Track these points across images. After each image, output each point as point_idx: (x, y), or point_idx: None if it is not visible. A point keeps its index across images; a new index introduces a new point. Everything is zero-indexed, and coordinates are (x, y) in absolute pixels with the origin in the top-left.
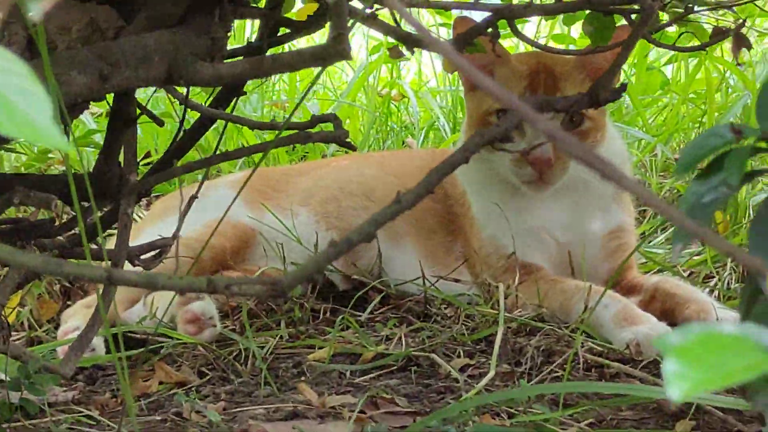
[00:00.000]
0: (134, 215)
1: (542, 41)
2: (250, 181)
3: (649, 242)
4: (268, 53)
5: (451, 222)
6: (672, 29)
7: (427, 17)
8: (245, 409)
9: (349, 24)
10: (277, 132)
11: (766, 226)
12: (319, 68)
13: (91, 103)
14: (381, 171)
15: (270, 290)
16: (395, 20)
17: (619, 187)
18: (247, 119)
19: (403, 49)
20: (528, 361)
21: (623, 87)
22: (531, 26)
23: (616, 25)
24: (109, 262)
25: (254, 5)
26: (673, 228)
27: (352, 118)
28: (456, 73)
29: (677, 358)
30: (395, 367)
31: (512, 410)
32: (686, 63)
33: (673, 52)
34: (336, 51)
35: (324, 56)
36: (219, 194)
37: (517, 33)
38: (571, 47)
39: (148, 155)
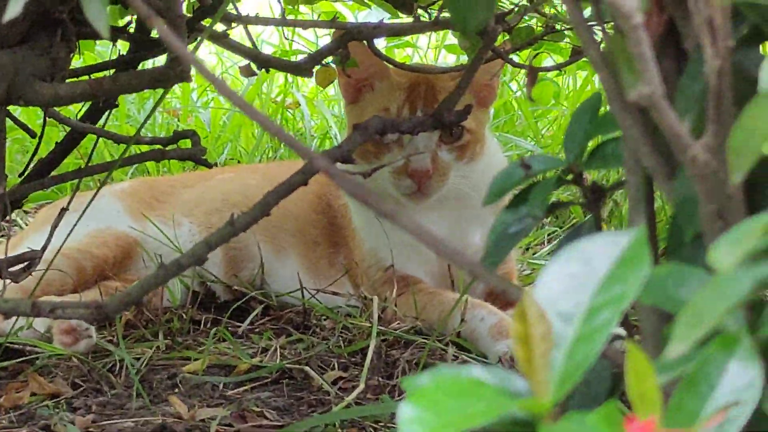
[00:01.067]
0: (21, 222)
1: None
2: (134, 191)
3: (534, 254)
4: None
5: (334, 234)
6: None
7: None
8: (115, 421)
9: (192, 45)
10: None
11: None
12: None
13: None
14: (265, 182)
15: (94, 314)
16: (250, 38)
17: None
18: (114, 133)
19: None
20: (399, 374)
21: (467, 109)
22: (424, 37)
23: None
24: None
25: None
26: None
27: (245, 126)
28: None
29: (415, 401)
30: (269, 380)
31: (378, 425)
32: (575, 75)
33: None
34: (174, 73)
35: (162, 78)
36: (103, 204)
37: (375, 51)
38: (463, 57)
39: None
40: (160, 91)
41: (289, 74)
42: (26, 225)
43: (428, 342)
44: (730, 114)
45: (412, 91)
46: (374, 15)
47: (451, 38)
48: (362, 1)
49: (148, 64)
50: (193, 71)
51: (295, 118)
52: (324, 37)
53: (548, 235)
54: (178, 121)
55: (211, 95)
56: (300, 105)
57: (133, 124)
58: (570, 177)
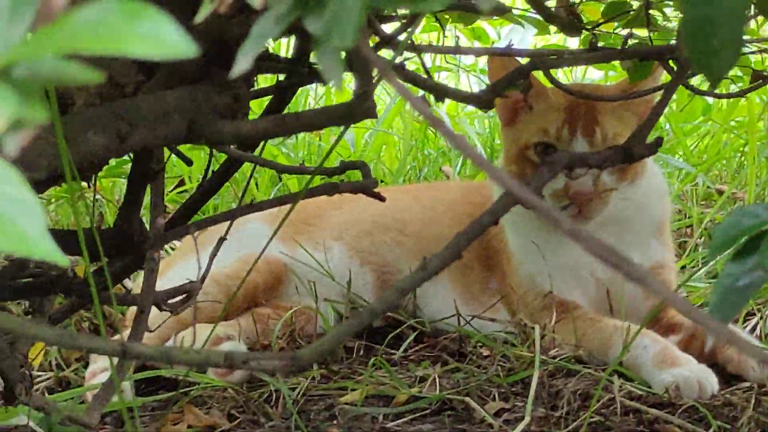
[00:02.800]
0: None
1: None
2: (283, 215)
3: (690, 276)
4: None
5: (488, 258)
6: None
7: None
8: None
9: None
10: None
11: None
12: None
13: None
14: (415, 204)
15: (289, 365)
16: (425, 69)
17: None
18: (275, 163)
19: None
20: (564, 405)
21: (659, 141)
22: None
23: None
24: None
25: (279, 58)
26: (713, 264)
27: (389, 146)
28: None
29: None
30: (429, 411)
31: None
32: (728, 90)
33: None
34: (361, 110)
35: (348, 116)
36: (251, 228)
37: (552, 81)
38: (611, 73)
39: (182, 183)
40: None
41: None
42: (172, 249)
43: (592, 371)
44: None
45: (572, 111)
46: (519, 31)
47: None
48: (512, 17)
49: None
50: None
51: (437, 137)
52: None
53: (702, 258)
54: (320, 140)
55: None
56: (443, 121)
57: (274, 144)
58: None
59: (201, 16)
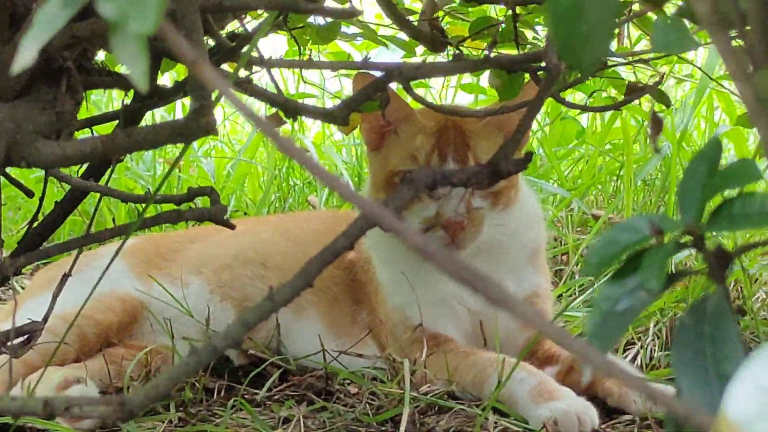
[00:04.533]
0: (19, 283)
1: (452, 90)
2: (139, 250)
3: (567, 305)
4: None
5: (356, 290)
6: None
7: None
8: None
9: (215, 94)
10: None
11: (688, 349)
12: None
13: None
14: (278, 236)
15: (117, 411)
16: (275, 84)
17: None
18: (119, 192)
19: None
20: None
21: (528, 157)
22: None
23: (524, 78)
24: None
25: (111, 72)
26: (590, 291)
27: (252, 176)
28: (358, 128)
29: None
30: None
31: None
32: (600, 113)
33: (588, 100)
34: (198, 126)
35: (185, 132)
36: (104, 264)
37: (412, 94)
38: (482, 97)
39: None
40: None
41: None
42: (22, 287)
43: (466, 407)
44: None
45: (441, 135)
46: (386, 54)
47: (467, 77)
48: (377, 39)
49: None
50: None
51: (300, 166)
52: (330, 79)
53: (579, 286)
54: (179, 171)
55: (213, 143)
56: (308, 151)
57: (131, 176)
58: (688, 240)
59: None
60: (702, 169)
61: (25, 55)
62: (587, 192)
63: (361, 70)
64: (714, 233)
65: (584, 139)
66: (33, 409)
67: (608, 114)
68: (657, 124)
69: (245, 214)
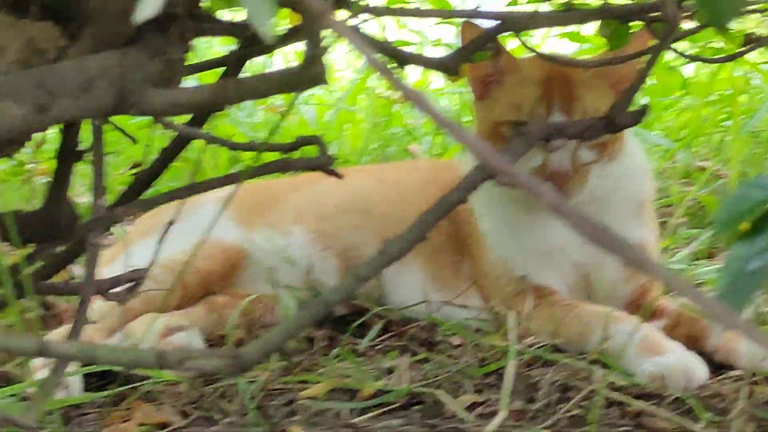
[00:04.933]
0: (120, 229)
1: (554, 39)
2: (240, 198)
3: (672, 258)
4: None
5: (459, 241)
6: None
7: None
8: None
9: (326, 43)
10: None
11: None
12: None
13: None
14: (380, 185)
15: (230, 365)
16: (384, 33)
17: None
18: (225, 139)
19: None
20: (542, 397)
21: (644, 110)
22: None
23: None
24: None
25: (219, 20)
26: (696, 243)
27: (352, 124)
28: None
29: None
30: (397, 405)
31: None
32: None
33: (693, 51)
34: (309, 76)
35: (295, 82)
36: (207, 212)
37: (525, 45)
38: (586, 46)
39: (137, 165)
40: None
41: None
42: (124, 231)
43: (572, 361)
44: None
45: (547, 85)
46: (490, 1)
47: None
48: None
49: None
50: None
51: (401, 114)
52: (430, 27)
53: (685, 238)
54: (282, 119)
55: (315, 91)
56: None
57: (231, 123)
58: None
59: None
60: None
61: (149, 6)
62: (692, 143)
63: (468, 19)
64: None
65: (688, 90)
66: (147, 361)
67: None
68: None
69: (346, 162)
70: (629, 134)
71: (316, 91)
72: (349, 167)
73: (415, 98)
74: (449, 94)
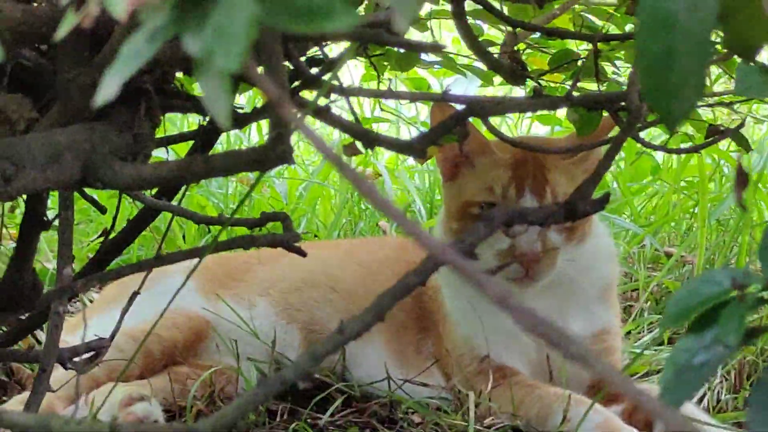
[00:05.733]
0: (88, 296)
1: (527, 122)
2: (207, 269)
3: (635, 342)
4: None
5: (423, 318)
6: None
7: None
8: None
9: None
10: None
11: (765, 410)
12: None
13: None
14: (347, 261)
15: None
16: (354, 114)
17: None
18: (192, 212)
19: (360, 146)
20: None
21: (605, 198)
22: None
23: (602, 114)
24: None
25: (190, 96)
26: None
27: (324, 199)
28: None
29: None
30: None
31: None
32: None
33: (664, 136)
34: (275, 155)
35: (262, 160)
36: (173, 282)
37: (492, 130)
38: (558, 128)
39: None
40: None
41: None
42: (90, 301)
43: None
44: None
45: (518, 168)
46: (463, 82)
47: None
48: (456, 68)
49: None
50: None
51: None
52: (406, 104)
53: (648, 324)
54: (253, 193)
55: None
56: (381, 175)
57: (203, 194)
58: None
59: (61, 32)
60: None
61: (108, 88)
62: (660, 229)
63: (437, 104)
64: None
65: (659, 176)
66: None
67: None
68: (743, 178)
69: (316, 236)
70: (596, 218)
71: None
72: (317, 242)
73: (363, 190)
74: (421, 172)
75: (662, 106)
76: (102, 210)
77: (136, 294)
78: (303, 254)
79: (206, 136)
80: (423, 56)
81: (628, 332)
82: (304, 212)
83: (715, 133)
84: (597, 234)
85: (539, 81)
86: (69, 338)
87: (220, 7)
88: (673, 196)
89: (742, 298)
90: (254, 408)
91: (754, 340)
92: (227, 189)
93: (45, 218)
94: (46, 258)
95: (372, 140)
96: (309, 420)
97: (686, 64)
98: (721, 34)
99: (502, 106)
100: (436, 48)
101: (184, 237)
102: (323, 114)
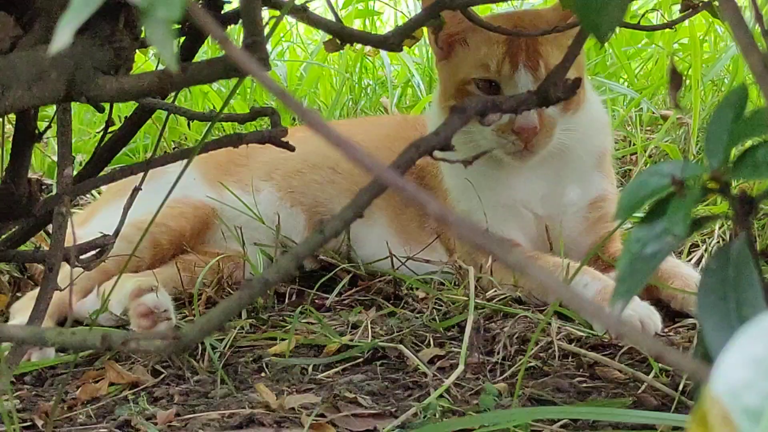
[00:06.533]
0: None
1: None
2: (210, 156)
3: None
4: None
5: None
6: None
7: None
8: (199, 414)
9: (271, 24)
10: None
11: (711, 293)
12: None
13: None
14: (349, 140)
15: (171, 346)
16: (333, 11)
17: None
18: (185, 109)
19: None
20: (501, 350)
21: (576, 82)
22: None
23: None
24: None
25: None
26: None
27: (323, 78)
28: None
29: None
30: (361, 360)
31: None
32: (669, 11)
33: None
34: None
35: (234, 68)
36: (176, 173)
37: (472, 19)
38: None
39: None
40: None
41: (369, 18)
42: (98, 193)
43: (529, 314)
44: None
45: (512, 43)
46: None
47: None
48: None
49: None
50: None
51: (374, 66)
52: None
53: None
54: (253, 82)
55: (287, 45)
56: (379, 52)
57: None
58: (714, 186)
59: None
60: (728, 115)
61: (62, 37)
62: (657, 92)
63: None
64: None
65: (653, 39)
66: (93, 344)
67: (677, 14)
68: (676, 79)
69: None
70: (589, 88)
71: (291, 44)
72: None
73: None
74: (420, 46)
75: (591, 21)
76: (99, 109)
77: (137, 190)
78: (291, 149)
79: (192, 41)
80: None
81: (651, 166)
82: (305, 93)
83: (689, 6)
84: (590, 104)
85: None
86: (78, 231)
87: None
88: (668, 59)
89: (680, 193)
90: (238, 311)
91: (698, 228)
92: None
93: (36, 131)
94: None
95: (349, 36)
96: (317, 300)
97: None
98: None
99: None
100: None
101: (189, 124)
102: (300, 13)
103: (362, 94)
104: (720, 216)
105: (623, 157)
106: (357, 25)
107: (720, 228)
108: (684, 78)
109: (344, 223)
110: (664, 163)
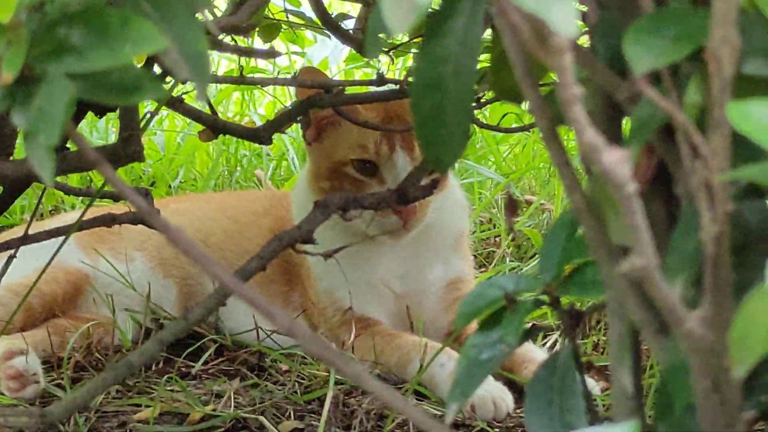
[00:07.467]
0: None
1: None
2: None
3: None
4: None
5: (289, 272)
6: None
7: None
8: None
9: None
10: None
11: (539, 399)
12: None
13: None
14: (219, 214)
15: (38, 423)
16: (209, 103)
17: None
18: (62, 184)
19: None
20: (358, 425)
21: (434, 183)
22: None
23: None
24: None
25: None
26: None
27: (200, 148)
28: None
29: None
30: (222, 430)
31: None
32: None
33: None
34: (127, 153)
35: (113, 158)
36: (52, 239)
37: (342, 115)
38: None
39: None
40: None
41: (248, 92)
42: None
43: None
44: (728, 283)
45: (388, 125)
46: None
47: None
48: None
49: None
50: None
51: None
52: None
53: (510, 269)
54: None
55: (165, 113)
56: (256, 125)
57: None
58: (546, 299)
59: None
60: (561, 234)
61: None
62: (523, 176)
63: (306, 66)
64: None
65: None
66: None
67: None
68: (512, 207)
69: (194, 185)
70: (450, 173)
71: (168, 113)
72: (190, 195)
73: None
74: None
75: (434, 154)
76: None
77: (11, 258)
78: (164, 230)
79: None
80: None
81: (490, 278)
82: (182, 163)
83: None
84: (452, 185)
85: (391, 55)
86: None
87: (43, 92)
88: (535, 145)
89: (511, 308)
90: (103, 391)
91: (530, 337)
92: (108, 139)
93: None
94: None
95: (222, 127)
96: (184, 368)
97: (453, 119)
98: None
99: (343, 98)
100: (272, 55)
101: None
102: (176, 105)
103: (237, 166)
104: (552, 327)
105: (487, 239)
106: (236, 96)
107: None
108: (519, 206)
109: (207, 311)
110: (501, 277)
